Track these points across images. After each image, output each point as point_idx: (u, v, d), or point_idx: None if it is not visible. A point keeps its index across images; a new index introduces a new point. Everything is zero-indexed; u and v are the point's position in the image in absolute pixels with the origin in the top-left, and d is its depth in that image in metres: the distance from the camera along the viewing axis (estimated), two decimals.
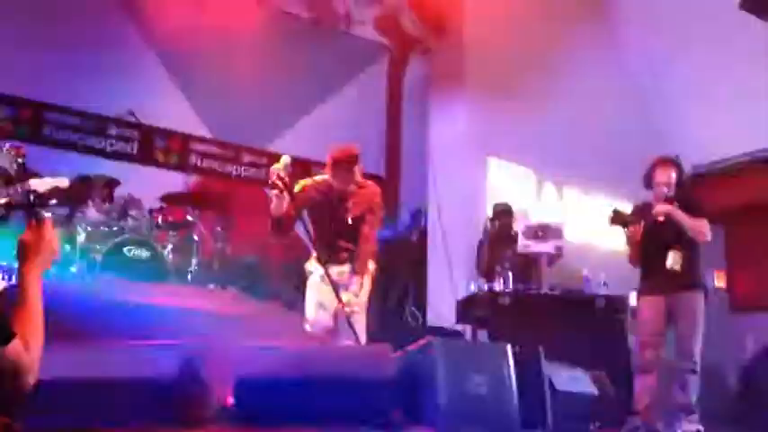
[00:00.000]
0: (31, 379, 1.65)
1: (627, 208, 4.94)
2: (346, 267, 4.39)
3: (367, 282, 4.40)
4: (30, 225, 1.80)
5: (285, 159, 4.07)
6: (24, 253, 1.77)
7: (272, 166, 4.11)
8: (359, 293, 4.30)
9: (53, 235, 1.82)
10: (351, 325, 4.07)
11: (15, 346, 1.62)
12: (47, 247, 1.79)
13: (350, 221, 4.40)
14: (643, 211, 4.73)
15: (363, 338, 4.20)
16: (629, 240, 4.67)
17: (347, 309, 4.15)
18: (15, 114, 6.61)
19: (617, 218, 4.68)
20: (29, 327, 1.66)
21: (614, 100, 7.73)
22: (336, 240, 4.42)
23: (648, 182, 4.73)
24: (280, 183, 4.04)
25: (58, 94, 6.94)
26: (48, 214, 1.89)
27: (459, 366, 3.61)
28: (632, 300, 5.16)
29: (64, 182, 1.88)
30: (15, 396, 1.71)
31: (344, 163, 4.31)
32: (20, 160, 4.60)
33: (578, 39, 7.35)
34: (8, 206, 1.94)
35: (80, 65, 6.83)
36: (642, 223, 4.60)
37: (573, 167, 7.50)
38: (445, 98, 7.61)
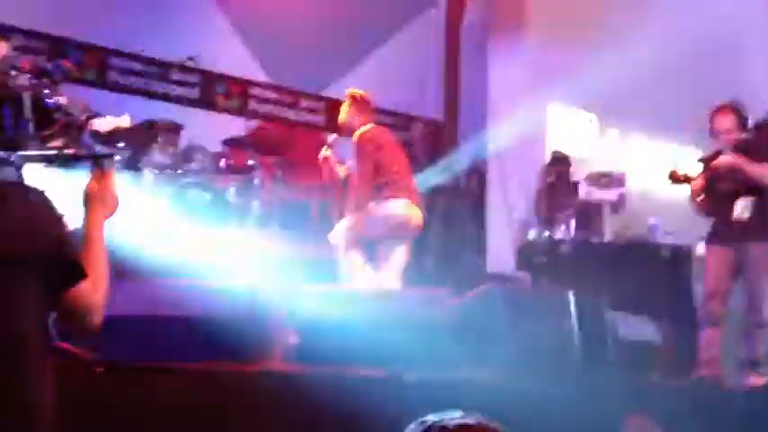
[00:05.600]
0: (97, 319, 1.73)
1: (695, 154, 4.74)
2: None
3: None
4: (94, 175, 1.86)
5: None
6: (89, 202, 1.83)
7: None
8: None
9: (116, 186, 1.88)
10: None
11: (86, 286, 1.69)
12: (110, 197, 1.86)
13: None
14: (709, 162, 4.58)
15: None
16: (693, 195, 4.54)
17: None
18: (81, 60, 6.70)
19: (674, 177, 4.56)
20: (94, 270, 1.72)
21: (683, 41, 7.38)
22: None
23: (713, 132, 4.56)
24: None
25: (123, 40, 7.01)
26: (117, 157, 1.94)
27: (519, 313, 3.59)
28: (700, 249, 5.01)
29: (125, 120, 1.93)
30: (83, 334, 1.80)
31: None
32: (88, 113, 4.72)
33: None
34: (76, 156, 1.99)
35: (142, 10, 6.88)
36: (704, 175, 4.45)
37: (638, 113, 7.24)
38: (505, 42, 7.40)
